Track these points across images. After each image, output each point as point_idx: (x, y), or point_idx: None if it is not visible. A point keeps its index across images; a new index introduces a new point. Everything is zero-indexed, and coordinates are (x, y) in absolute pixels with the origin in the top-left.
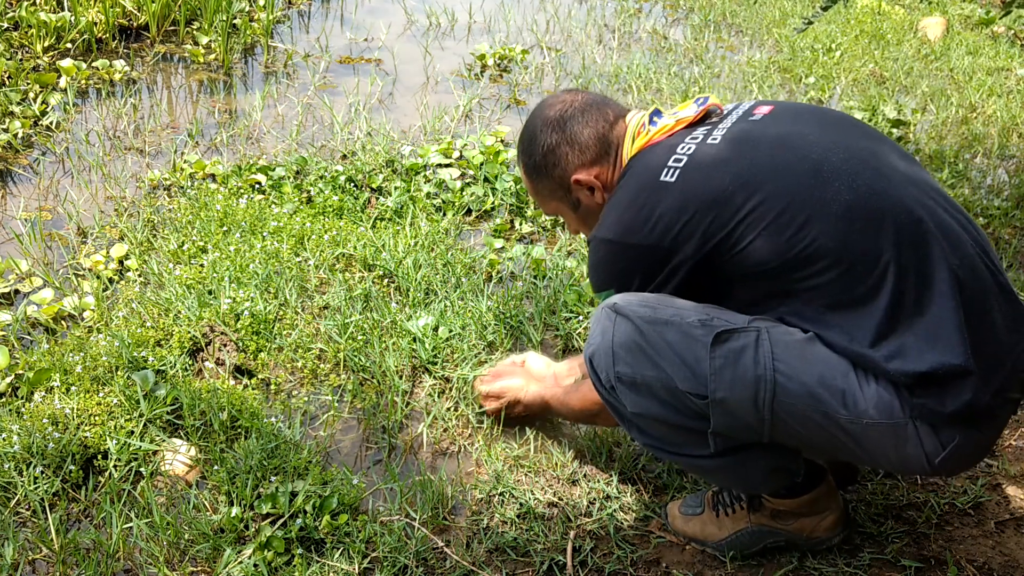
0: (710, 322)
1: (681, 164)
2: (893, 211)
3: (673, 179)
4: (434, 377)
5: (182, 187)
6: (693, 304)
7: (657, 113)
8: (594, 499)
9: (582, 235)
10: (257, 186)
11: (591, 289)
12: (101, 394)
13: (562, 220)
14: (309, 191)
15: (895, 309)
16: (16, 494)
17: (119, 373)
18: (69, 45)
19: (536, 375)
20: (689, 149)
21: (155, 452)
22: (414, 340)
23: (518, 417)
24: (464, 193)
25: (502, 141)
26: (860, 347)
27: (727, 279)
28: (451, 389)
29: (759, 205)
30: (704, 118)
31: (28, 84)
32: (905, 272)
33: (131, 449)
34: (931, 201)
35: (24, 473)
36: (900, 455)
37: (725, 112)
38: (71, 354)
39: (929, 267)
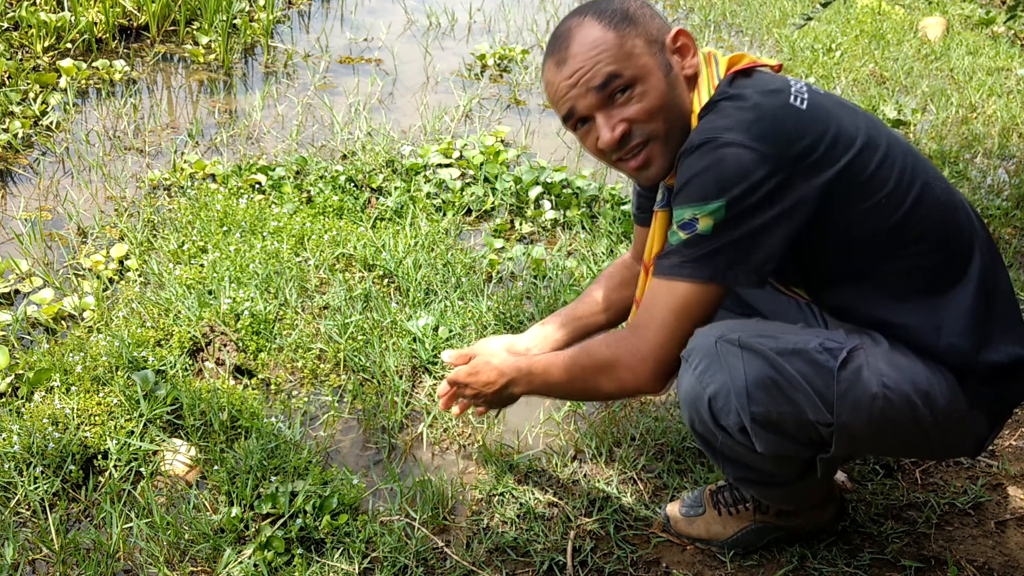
0: (827, 345)
1: (805, 97)
2: (965, 207)
3: (804, 107)
4: (434, 377)
5: (182, 187)
6: (796, 327)
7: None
8: (594, 499)
9: (635, 132)
10: (257, 186)
11: (693, 198)
12: (101, 394)
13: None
14: (309, 191)
15: (980, 297)
16: (16, 494)
17: (119, 373)
18: (69, 45)
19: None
20: (803, 88)
21: (155, 452)
22: (414, 340)
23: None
24: (464, 193)
25: (502, 141)
26: (949, 338)
27: (836, 238)
28: None
29: (883, 163)
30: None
31: (28, 84)
32: (986, 263)
33: (131, 449)
34: None
35: (24, 473)
36: (954, 444)
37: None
38: (71, 354)
39: (997, 259)
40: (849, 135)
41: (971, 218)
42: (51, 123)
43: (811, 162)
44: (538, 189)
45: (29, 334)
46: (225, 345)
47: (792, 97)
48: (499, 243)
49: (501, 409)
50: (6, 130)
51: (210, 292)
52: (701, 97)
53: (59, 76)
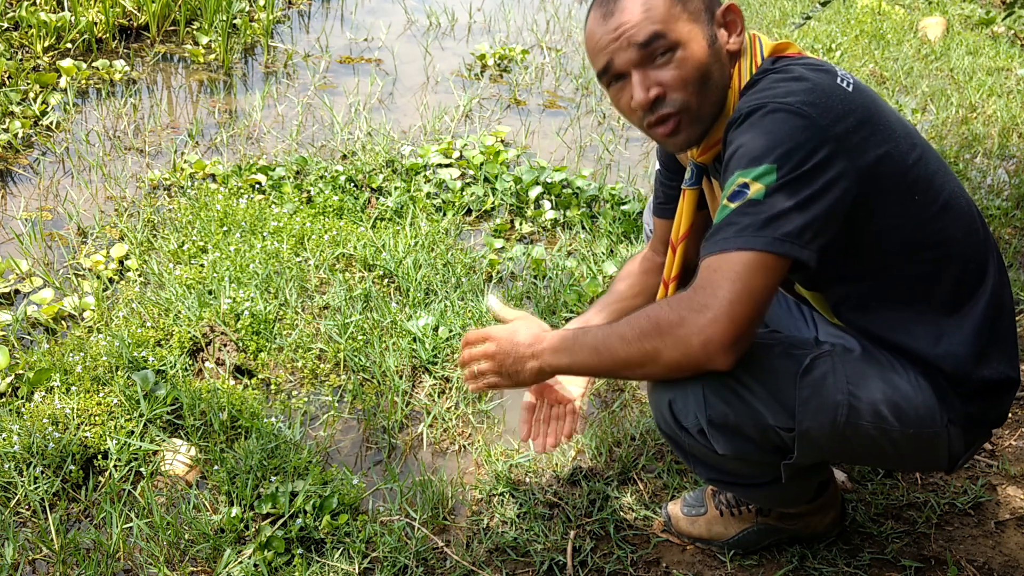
0: (791, 351)
1: (851, 82)
2: (983, 223)
3: (851, 90)
4: (434, 377)
5: (182, 187)
6: (763, 331)
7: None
8: (594, 499)
9: (668, 99)
10: (257, 186)
11: (742, 163)
12: (101, 394)
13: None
14: (309, 191)
15: (988, 313)
16: (16, 494)
17: (119, 373)
18: (69, 45)
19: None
20: (848, 75)
21: (155, 452)
22: (414, 340)
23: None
24: (464, 193)
25: (502, 141)
26: (948, 345)
27: (866, 230)
28: (451, 389)
29: (919, 162)
30: None
31: (28, 84)
32: (996, 281)
33: (131, 449)
34: None
35: (24, 473)
36: (927, 458)
37: None
38: (71, 354)
39: (1005, 278)
40: (891, 126)
41: (988, 235)
42: (51, 123)
43: (855, 143)
44: (538, 189)
45: (29, 334)
46: (225, 345)
47: (839, 79)
48: (499, 243)
49: (512, 388)
50: (6, 130)
51: (210, 292)
52: (742, 74)
53: (59, 76)
